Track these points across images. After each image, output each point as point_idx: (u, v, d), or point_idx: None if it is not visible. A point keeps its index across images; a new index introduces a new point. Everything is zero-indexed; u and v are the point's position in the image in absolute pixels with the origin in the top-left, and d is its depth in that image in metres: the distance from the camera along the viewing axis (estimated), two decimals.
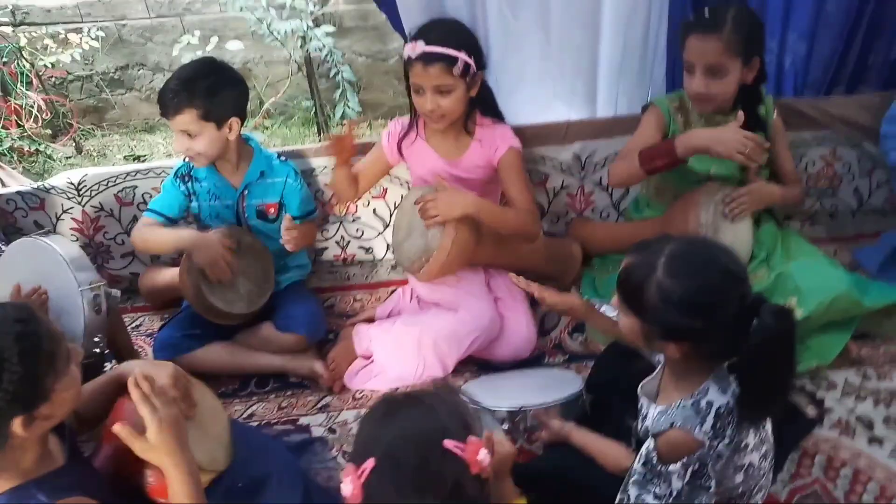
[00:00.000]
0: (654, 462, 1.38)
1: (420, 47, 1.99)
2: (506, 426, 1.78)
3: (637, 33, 2.48)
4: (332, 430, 2.01)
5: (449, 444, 1.07)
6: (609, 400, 1.75)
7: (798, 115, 2.41)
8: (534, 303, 2.29)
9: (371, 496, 1.06)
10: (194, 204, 2.26)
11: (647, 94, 2.62)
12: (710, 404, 1.36)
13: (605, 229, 2.51)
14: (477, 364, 2.18)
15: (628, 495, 1.44)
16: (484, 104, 2.18)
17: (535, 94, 2.64)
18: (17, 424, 1.18)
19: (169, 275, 2.39)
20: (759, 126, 2.09)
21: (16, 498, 1.21)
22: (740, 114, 1.95)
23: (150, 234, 2.21)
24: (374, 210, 2.57)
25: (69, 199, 2.48)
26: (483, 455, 1.08)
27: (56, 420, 1.26)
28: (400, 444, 1.08)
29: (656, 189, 2.31)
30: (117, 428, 1.30)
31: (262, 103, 3.66)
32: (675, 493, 1.38)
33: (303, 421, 2.04)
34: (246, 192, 2.24)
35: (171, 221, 2.25)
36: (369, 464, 1.07)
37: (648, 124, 2.15)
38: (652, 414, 1.45)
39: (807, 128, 2.45)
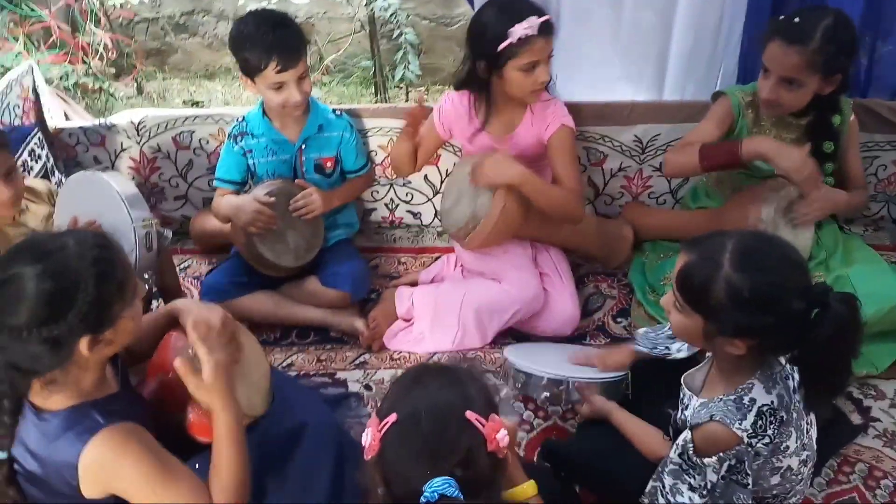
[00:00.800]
0: (691, 453, 1.37)
1: (536, 21, 1.92)
2: (546, 394, 1.77)
3: (711, 20, 2.42)
4: (367, 387, 2.03)
5: (471, 415, 1.08)
6: (649, 388, 1.73)
7: (873, 116, 2.32)
8: (579, 282, 2.30)
9: (386, 450, 1.08)
10: (251, 161, 2.26)
11: (716, 82, 2.56)
12: (753, 401, 1.33)
13: (660, 215, 2.47)
14: (516, 337, 2.17)
15: (662, 483, 1.43)
16: None
17: (600, 73, 2.61)
18: (83, 344, 1.22)
19: (219, 220, 2.40)
20: (829, 134, 2.02)
21: (76, 415, 1.25)
22: (808, 146, 1.91)
23: (216, 203, 2.24)
24: (426, 176, 2.56)
25: (129, 138, 2.52)
26: (502, 435, 1.09)
27: (117, 347, 1.30)
28: (423, 406, 1.09)
29: (717, 180, 2.26)
30: (178, 363, 1.32)
31: (321, 59, 3.65)
32: (709, 486, 1.36)
33: (340, 375, 2.07)
34: (304, 146, 2.24)
35: (239, 185, 2.27)
36: (390, 418, 1.08)
37: (715, 115, 2.09)
38: (693, 405, 1.43)
39: (880, 130, 2.36)
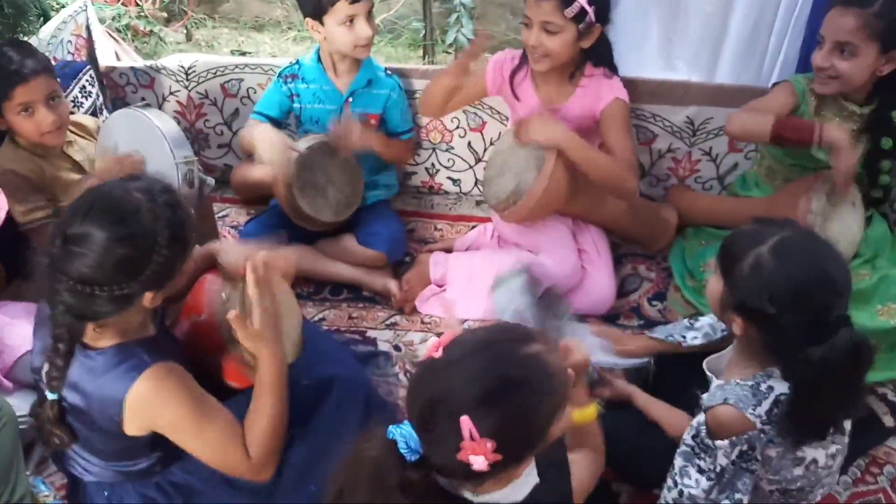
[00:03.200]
0: (703, 436, 1.35)
1: None
2: None
3: (772, 6, 2.35)
4: (397, 348, 2.04)
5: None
6: (673, 375, 1.71)
7: None
8: (617, 262, 2.27)
9: (447, 355, 1.03)
10: (296, 105, 2.27)
11: (772, 72, 2.49)
12: (770, 389, 1.32)
13: (707, 201, 2.41)
14: None
15: (673, 465, 1.42)
16: (599, 57, 2.08)
17: (655, 53, 2.54)
18: (147, 298, 1.24)
19: (261, 171, 2.36)
20: (889, 130, 1.94)
21: (123, 353, 1.27)
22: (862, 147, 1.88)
23: (248, 132, 2.24)
24: (469, 143, 2.53)
25: (177, 81, 2.53)
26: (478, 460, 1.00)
27: (170, 295, 1.33)
28: (498, 334, 1.06)
29: (768, 170, 2.20)
30: (232, 315, 1.32)
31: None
32: (718, 470, 1.35)
33: (370, 334, 2.08)
34: (351, 98, 2.23)
35: (274, 122, 2.27)
36: (456, 331, 1.06)
37: (780, 94, 2.03)
38: (711, 389, 1.42)
39: None
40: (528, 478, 1.11)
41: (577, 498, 1.25)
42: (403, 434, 1.01)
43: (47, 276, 1.20)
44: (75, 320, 1.23)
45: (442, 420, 0.98)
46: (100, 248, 1.18)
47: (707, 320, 1.71)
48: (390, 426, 1.02)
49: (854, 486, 1.70)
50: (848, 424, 1.42)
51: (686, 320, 1.75)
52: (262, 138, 2.12)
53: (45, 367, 1.27)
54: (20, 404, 1.56)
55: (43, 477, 1.68)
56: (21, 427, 1.52)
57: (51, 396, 1.28)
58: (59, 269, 1.19)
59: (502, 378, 0.99)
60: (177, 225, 1.24)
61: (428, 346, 1.09)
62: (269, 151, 2.09)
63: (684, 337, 1.70)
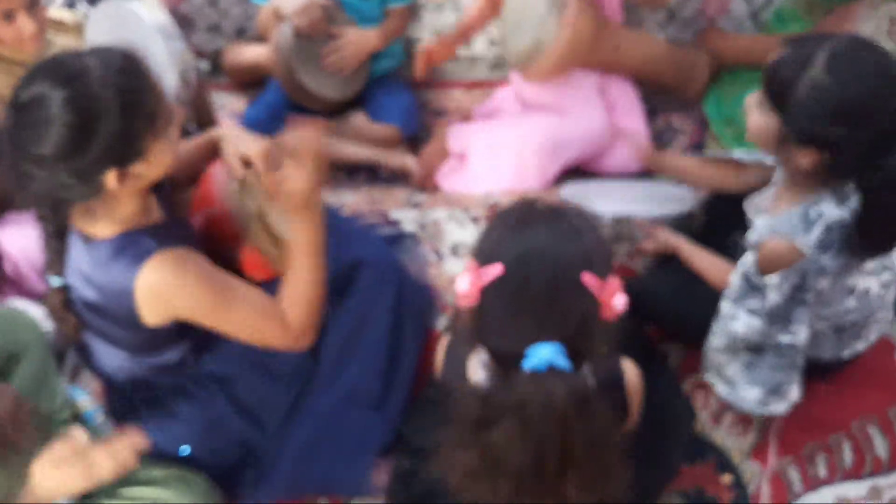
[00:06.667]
0: (752, 274, 1.29)
1: None
2: (609, 233, 1.71)
3: None
4: (422, 227, 1.96)
5: (588, 278, 0.95)
6: (722, 228, 1.61)
7: None
8: (649, 116, 2.14)
9: (487, 304, 0.98)
10: None
11: None
12: (820, 215, 1.24)
13: (741, 40, 2.23)
14: (581, 175, 2.04)
15: (719, 311, 1.36)
16: None
17: None
18: (110, 178, 1.15)
19: (255, 52, 2.26)
20: None
21: (126, 241, 1.21)
22: None
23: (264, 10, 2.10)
24: None
25: None
26: (619, 300, 0.96)
27: (150, 179, 1.22)
28: (535, 260, 0.96)
29: (808, 2, 2.03)
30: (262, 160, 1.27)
31: None
32: (770, 308, 1.29)
33: (393, 215, 1.99)
34: None
35: None
36: (496, 269, 0.96)
37: None
38: (757, 225, 1.34)
39: None
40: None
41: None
42: (553, 352, 0.92)
43: (10, 156, 1.13)
44: (52, 201, 1.18)
45: (568, 300, 0.95)
46: (48, 112, 1.09)
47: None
48: (524, 362, 0.93)
49: None
50: None
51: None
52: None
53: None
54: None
55: (79, 384, 1.67)
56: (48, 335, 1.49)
57: (53, 283, 1.25)
58: (14, 143, 1.12)
59: (569, 226, 0.99)
60: (132, 92, 1.14)
61: (463, 283, 1.00)
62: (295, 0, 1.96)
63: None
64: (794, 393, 1.40)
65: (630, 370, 1.20)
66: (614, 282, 0.97)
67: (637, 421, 1.21)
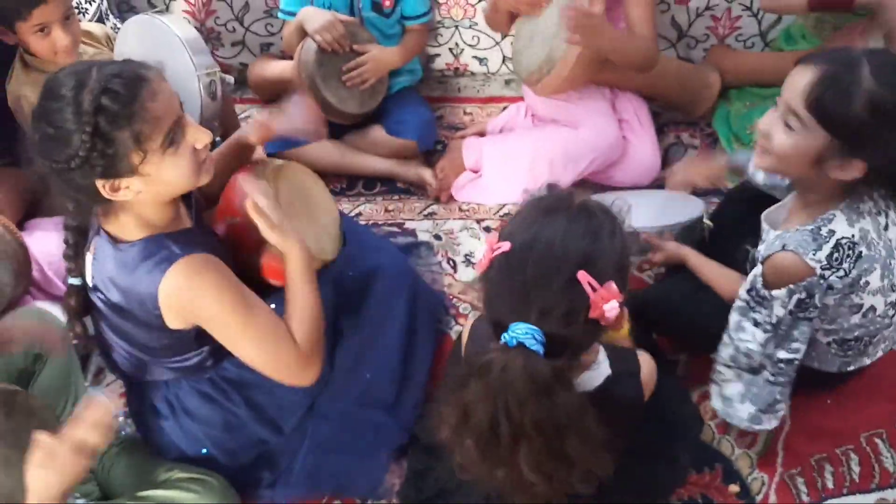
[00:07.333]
0: (759, 286, 1.30)
1: None
2: None
3: None
4: (437, 237, 2.00)
5: (583, 276, 0.99)
6: (731, 235, 1.64)
7: None
8: (659, 132, 2.17)
9: (490, 275, 1.04)
10: None
11: None
12: (831, 232, 1.26)
13: (749, 58, 2.27)
14: (592, 188, 2.06)
15: (728, 322, 1.38)
16: None
17: None
18: (102, 187, 1.16)
19: (280, 67, 2.31)
20: None
21: (152, 245, 1.23)
22: None
23: (287, 28, 2.16)
24: None
25: None
26: (611, 307, 0.99)
27: (161, 190, 1.23)
28: (540, 247, 1.01)
29: (816, 20, 2.06)
30: (249, 205, 1.28)
31: None
32: (775, 321, 1.30)
33: (409, 225, 2.04)
34: None
35: None
36: (505, 246, 1.02)
37: None
38: (769, 239, 1.36)
39: None
40: (601, 365, 1.15)
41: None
42: (527, 333, 0.97)
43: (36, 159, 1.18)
44: (72, 202, 1.23)
45: (559, 291, 0.98)
46: (33, 123, 1.16)
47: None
48: (503, 334, 0.98)
49: None
50: None
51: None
52: (309, 13, 2.04)
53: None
54: None
55: (101, 387, 1.71)
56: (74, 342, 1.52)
57: (72, 281, 1.27)
58: (36, 148, 1.17)
59: (589, 225, 1.02)
60: (108, 113, 1.11)
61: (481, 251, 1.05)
62: (319, 18, 2.02)
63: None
64: (784, 409, 1.42)
65: (645, 362, 1.24)
66: (611, 288, 1.00)
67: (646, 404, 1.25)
